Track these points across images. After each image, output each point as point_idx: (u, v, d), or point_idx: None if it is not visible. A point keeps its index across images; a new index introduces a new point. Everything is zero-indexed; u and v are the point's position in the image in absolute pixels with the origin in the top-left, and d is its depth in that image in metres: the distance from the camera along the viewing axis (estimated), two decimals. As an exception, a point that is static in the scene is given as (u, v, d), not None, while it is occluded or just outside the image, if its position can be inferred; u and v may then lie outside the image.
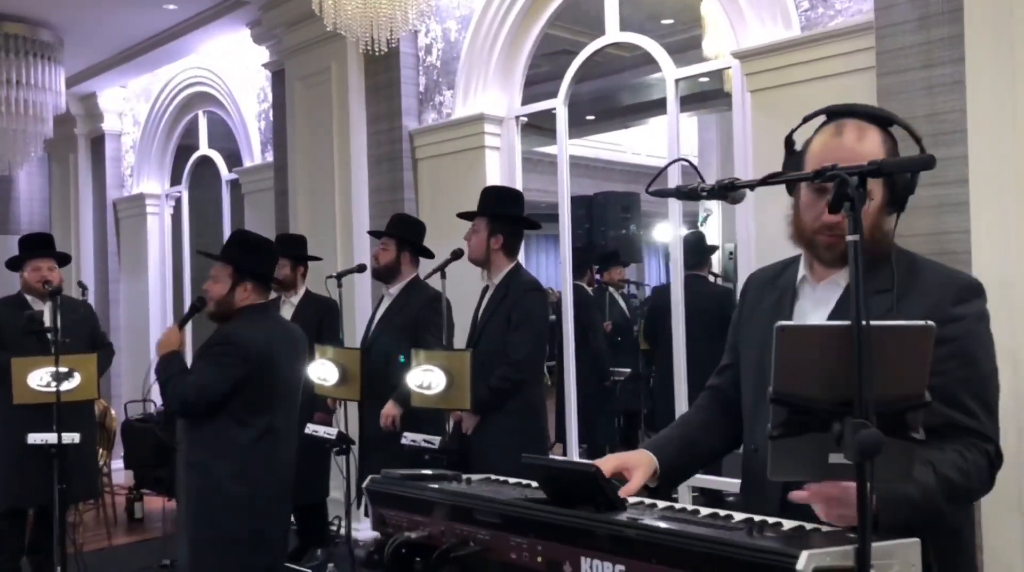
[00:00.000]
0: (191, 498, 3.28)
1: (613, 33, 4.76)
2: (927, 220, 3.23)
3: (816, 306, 1.73)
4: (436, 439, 3.52)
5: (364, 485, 1.80)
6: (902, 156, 1.58)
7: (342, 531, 4.88)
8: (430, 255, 4.27)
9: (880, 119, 1.66)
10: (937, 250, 3.21)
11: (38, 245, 4.80)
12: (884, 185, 1.59)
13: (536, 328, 3.71)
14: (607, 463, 1.71)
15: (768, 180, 1.37)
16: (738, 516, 1.46)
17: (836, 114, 1.68)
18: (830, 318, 1.67)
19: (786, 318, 1.73)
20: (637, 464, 1.72)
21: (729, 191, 1.37)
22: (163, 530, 5.59)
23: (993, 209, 3.00)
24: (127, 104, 8.40)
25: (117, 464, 7.12)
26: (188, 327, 3.94)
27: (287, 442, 3.41)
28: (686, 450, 1.84)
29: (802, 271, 1.77)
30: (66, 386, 4.10)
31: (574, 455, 5.04)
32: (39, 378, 4.10)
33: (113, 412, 6.45)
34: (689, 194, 1.44)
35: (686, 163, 1.50)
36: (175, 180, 8.14)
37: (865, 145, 1.60)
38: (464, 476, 1.81)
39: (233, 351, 3.23)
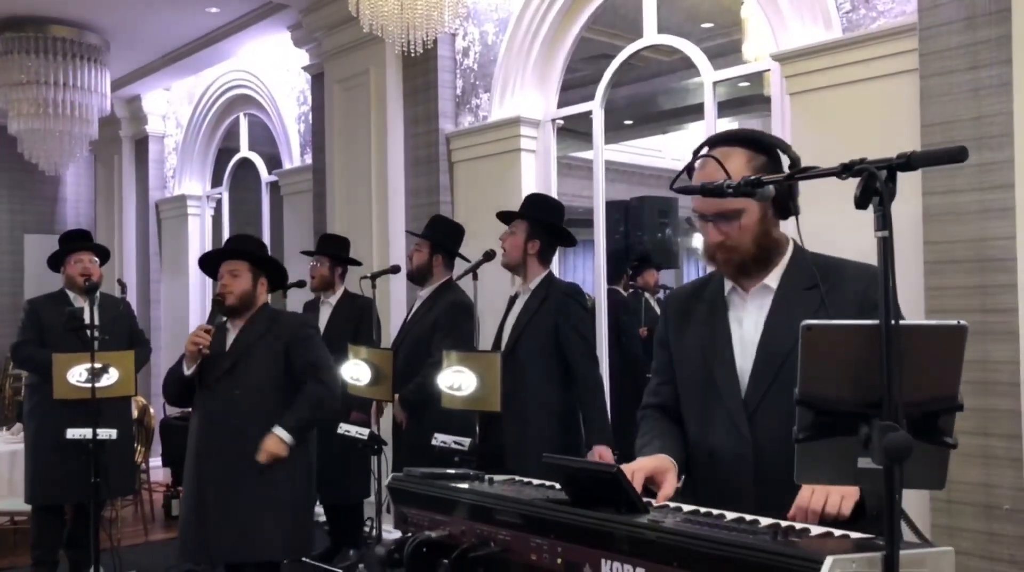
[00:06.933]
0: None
1: (651, 36, 4.72)
2: (970, 226, 3.16)
3: (750, 311, 1.82)
4: (466, 441, 3.50)
5: (386, 483, 1.79)
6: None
7: (375, 532, 4.87)
8: (466, 260, 4.25)
9: (754, 142, 1.75)
10: (980, 256, 3.13)
11: (77, 239, 4.88)
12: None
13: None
14: (640, 469, 1.72)
15: (793, 176, 1.34)
16: (764, 521, 1.43)
17: (719, 142, 1.78)
18: (768, 319, 1.78)
19: (722, 327, 1.84)
20: (666, 468, 1.75)
21: (755, 188, 1.34)
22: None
23: (1039, 214, 2.93)
24: (170, 107, 8.53)
25: (155, 462, 7.21)
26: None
27: None
28: (678, 458, 1.88)
29: (729, 283, 1.86)
30: (104, 382, 4.15)
31: (609, 460, 4.99)
32: (78, 374, 4.16)
33: (152, 410, 6.52)
34: (714, 191, 1.41)
35: (713, 159, 1.47)
36: (216, 182, 8.25)
37: (728, 167, 1.69)
38: (487, 476, 1.80)
39: None
